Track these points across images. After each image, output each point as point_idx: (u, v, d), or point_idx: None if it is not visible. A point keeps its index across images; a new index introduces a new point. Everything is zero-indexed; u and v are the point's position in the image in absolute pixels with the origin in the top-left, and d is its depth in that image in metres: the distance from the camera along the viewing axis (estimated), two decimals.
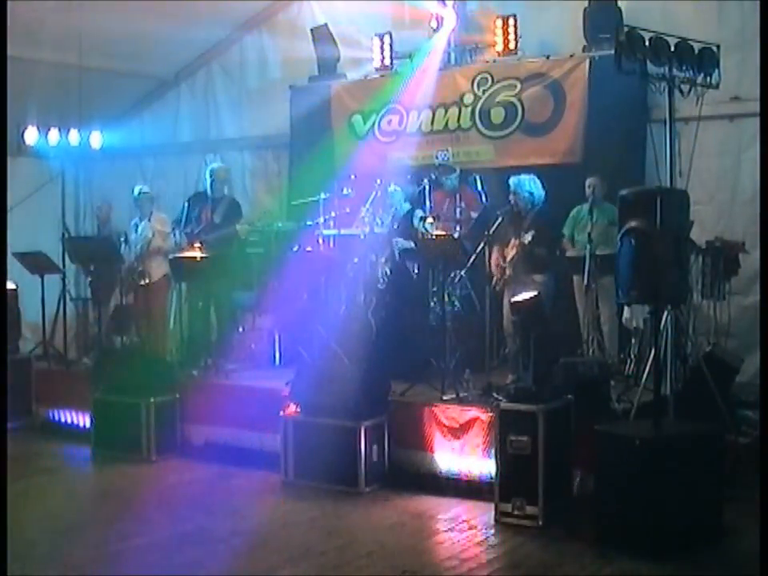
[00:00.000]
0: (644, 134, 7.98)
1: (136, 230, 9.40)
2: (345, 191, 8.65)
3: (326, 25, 10.04)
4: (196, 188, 10.20)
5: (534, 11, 9.02)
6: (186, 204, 9.12)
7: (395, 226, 8.45)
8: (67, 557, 5.51)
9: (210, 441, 7.82)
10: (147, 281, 9.27)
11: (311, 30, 10.13)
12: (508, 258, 7.65)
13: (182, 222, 8.93)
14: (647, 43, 6.23)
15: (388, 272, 8.22)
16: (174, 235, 9.02)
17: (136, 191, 9.47)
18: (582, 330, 7.90)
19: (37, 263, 9.46)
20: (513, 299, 6.89)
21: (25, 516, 6.09)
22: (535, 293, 6.68)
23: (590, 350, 7.55)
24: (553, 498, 5.87)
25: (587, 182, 7.84)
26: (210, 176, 9.05)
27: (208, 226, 8.88)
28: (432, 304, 7.91)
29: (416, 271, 8.25)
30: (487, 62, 9.27)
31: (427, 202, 8.29)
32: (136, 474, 7.36)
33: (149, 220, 9.29)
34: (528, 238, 7.27)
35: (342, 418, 6.70)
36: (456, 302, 7.81)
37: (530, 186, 7.68)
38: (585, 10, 8.59)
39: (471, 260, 7.43)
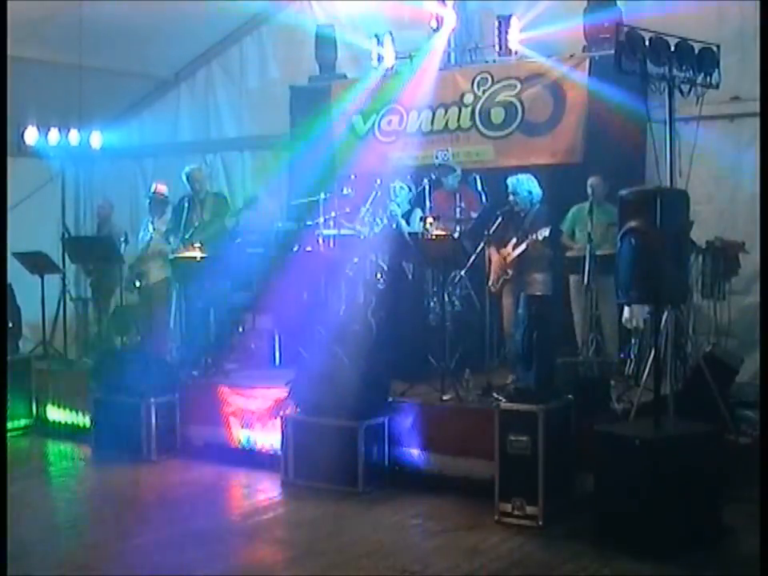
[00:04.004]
0: (644, 134, 7.98)
1: (146, 229, 9.42)
2: (345, 191, 8.65)
3: (331, 25, 10.06)
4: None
5: (534, 11, 9.02)
6: (174, 210, 9.15)
7: (393, 226, 8.44)
8: (67, 557, 5.52)
9: (209, 441, 7.82)
10: (145, 282, 9.28)
11: (318, 26, 10.14)
12: (511, 257, 7.64)
13: (179, 227, 8.94)
14: (647, 43, 6.23)
15: (386, 270, 8.22)
16: (170, 242, 9.03)
17: (151, 189, 9.50)
18: (576, 330, 7.91)
19: (37, 263, 9.46)
20: (528, 293, 6.88)
21: (25, 516, 6.09)
22: (547, 292, 6.68)
23: (590, 350, 7.55)
24: (553, 498, 5.87)
25: (588, 182, 7.84)
26: (188, 180, 9.05)
27: (200, 225, 8.89)
28: (432, 304, 7.90)
29: (411, 272, 8.26)
30: (487, 61, 9.27)
31: (427, 202, 8.30)
32: (136, 474, 7.36)
33: (157, 220, 9.31)
34: (545, 232, 7.24)
35: (341, 418, 6.70)
36: (456, 302, 7.80)
37: (529, 185, 7.68)
38: (585, 10, 8.59)
39: (471, 260, 7.43)
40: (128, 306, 9.55)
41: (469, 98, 9.32)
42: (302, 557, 5.43)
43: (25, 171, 10.57)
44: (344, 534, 5.80)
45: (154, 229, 9.31)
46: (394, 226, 8.46)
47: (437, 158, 8.73)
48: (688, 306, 6.98)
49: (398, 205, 8.60)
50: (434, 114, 9.51)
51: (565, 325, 7.96)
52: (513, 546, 5.56)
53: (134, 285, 9.32)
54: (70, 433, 8.58)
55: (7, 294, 9.29)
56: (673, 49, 6.29)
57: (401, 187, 8.66)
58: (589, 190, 7.81)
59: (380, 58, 9.69)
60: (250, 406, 7.63)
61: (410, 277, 8.28)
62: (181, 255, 8.67)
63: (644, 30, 6.31)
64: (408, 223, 8.62)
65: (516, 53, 9.02)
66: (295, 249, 8.70)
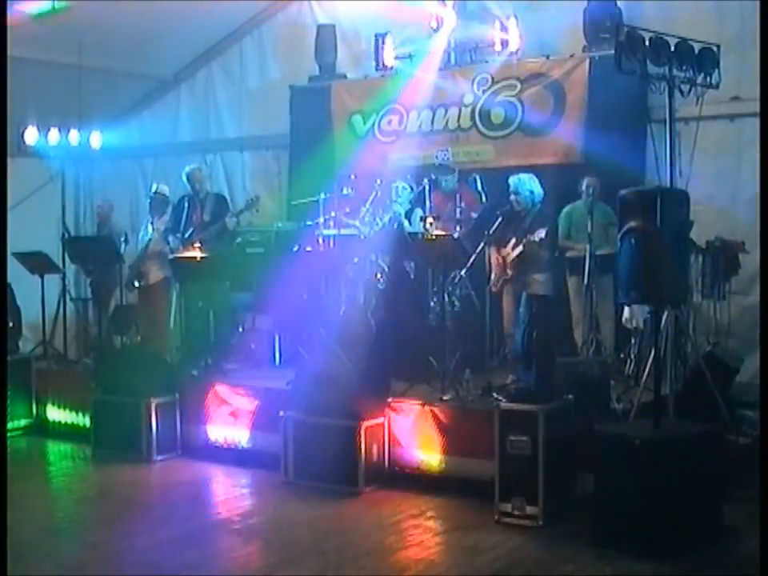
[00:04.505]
0: (644, 134, 7.98)
1: (146, 229, 9.42)
2: (345, 191, 8.65)
3: (333, 25, 10.07)
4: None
5: (534, 11, 9.02)
6: (174, 210, 9.15)
7: (395, 226, 8.44)
8: (67, 557, 5.52)
9: (209, 441, 7.82)
10: (144, 282, 9.28)
11: (318, 26, 10.15)
12: (510, 258, 7.64)
13: (180, 226, 8.94)
14: (647, 43, 6.23)
15: (386, 270, 8.22)
16: (169, 241, 9.02)
17: (152, 189, 9.50)
18: (574, 330, 7.91)
19: (37, 263, 9.46)
20: (530, 291, 6.87)
21: (25, 516, 6.09)
22: (547, 293, 6.68)
23: (590, 350, 7.55)
24: (553, 497, 5.87)
25: (586, 182, 7.85)
26: (188, 180, 9.05)
27: (200, 225, 8.88)
28: (432, 304, 7.90)
29: (413, 272, 8.26)
30: (487, 62, 9.27)
31: (427, 203, 8.30)
32: (136, 474, 7.36)
33: (157, 220, 9.32)
34: (542, 234, 7.25)
35: (342, 418, 6.70)
36: (456, 302, 7.80)
37: (531, 184, 7.68)
38: (585, 10, 8.59)
39: (471, 260, 7.43)
40: (128, 305, 9.54)
41: (469, 98, 9.32)
42: (302, 557, 5.42)
43: (25, 171, 10.56)
44: (344, 534, 5.81)
45: (153, 229, 9.31)
46: (396, 225, 8.45)
47: (437, 158, 8.73)
48: (688, 306, 6.99)
49: (400, 205, 8.59)
50: (433, 114, 9.52)
51: (565, 325, 7.96)
52: (513, 545, 5.56)
53: (134, 285, 9.32)
54: (70, 433, 8.58)
55: (7, 293, 9.29)
56: (673, 49, 6.29)
57: (403, 187, 8.67)
58: (588, 191, 7.82)
59: (380, 58, 9.70)
60: (249, 406, 7.63)
61: (411, 277, 8.28)
62: (181, 255, 8.67)
63: (644, 30, 6.31)
64: (410, 223, 8.62)
65: (516, 53, 9.03)
66: (295, 249, 8.70)
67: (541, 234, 7.26)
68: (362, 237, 8.43)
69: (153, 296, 9.38)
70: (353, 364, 6.98)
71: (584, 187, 7.87)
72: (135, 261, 9.36)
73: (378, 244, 8.32)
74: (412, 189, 8.68)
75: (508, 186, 7.71)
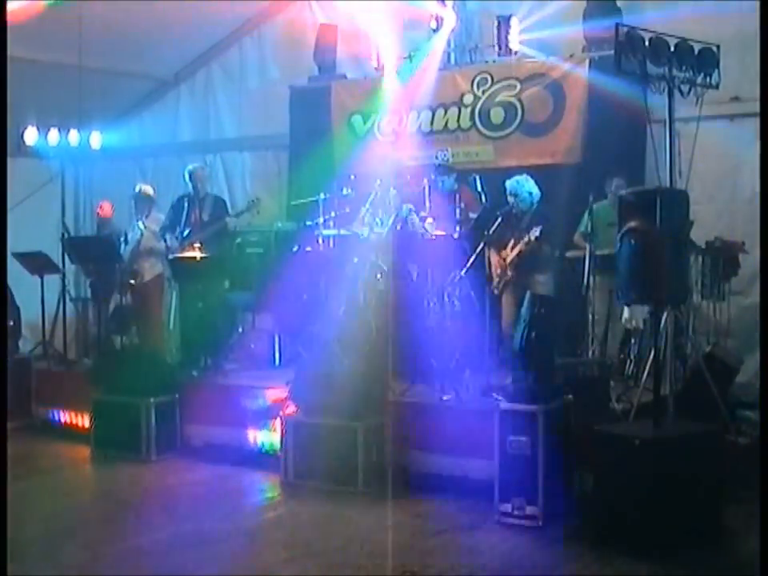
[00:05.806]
0: (644, 134, 7.98)
1: (135, 228, 9.42)
2: (345, 191, 8.65)
3: (333, 25, 10.07)
4: None
5: (534, 11, 9.03)
6: (172, 208, 9.14)
7: (398, 227, 8.43)
8: (67, 557, 5.51)
9: (209, 441, 7.82)
10: (138, 281, 9.28)
11: (321, 25, 10.15)
12: (509, 259, 7.64)
13: (179, 225, 8.93)
14: (647, 43, 6.23)
15: (387, 271, 8.22)
16: (166, 240, 9.01)
17: (136, 189, 9.49)
18: (590, 330, 7.88)
19: (37, 263, 9.46)
20: (533, 292, 6.89)
21: (25, 516, 6.08)
22: (549, 293, 6.67)
23: (590, 350, 7.54)
24: (553, 497, 5.86)
25: (615, 182, 7.76)
26: (190, 178, 9.02)
27: (198, 225, 8.88)
28: (432, 304, 7.90)
29: (416, 273, 8.26)
30: (487, 62, 9.28)
31: (427, 203, 8.30)
32: (136, 474, 7.35)
33: (144, 219, 9.31)
34: (536, 233, 7.24)
35: (342, 418, 6.70)
36: (456, 302, 7.80)
37: (528, 186, 7.69)
38: (584, 10, 8.60)
39: (471, 260, 7.43)
40: (127, 305, 9.54)
41: (469, 98, 9.33)
42: (302, 557, 5.42)
43: (25, 171, 10.57)
44: (344, 534, 5.80)
45: (145, 227, 9.29)
46: (399, 227, 8.44)
47: (436, 158, 8.74)
48: (688, 306, 6.98)
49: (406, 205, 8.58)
50: (433, 114, 9.53)
51: (569, 324, 7.91)
52: (513, 545, 5.56)
53: (131, 283, 9.30)
54: (70, 433, 8.58)
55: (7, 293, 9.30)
56: (673, 49, 6.29)
57: (394, 194, 8.64)
58: (617, 191, 7.76)
59: (380, 58, 9.70)
60: (249, 406, 7.62)
61: (414, 277, 8.27)
62: (180, 255, 8.67)
63: (644, 29, 6.31)
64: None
65: (516, 53, 9.04)
66: (295, 249, 8.70)
67: (536, 232, 7.26)
68: (362, 237, 8.43)
69: (149, 293, 9.37)
70: (352, 364, 6.97)
71: (612, 187, 7.81)
72: (127, 260, 9.33)
73: (381, 244, 8.31)
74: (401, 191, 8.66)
75: (505, 189, 7.71)
